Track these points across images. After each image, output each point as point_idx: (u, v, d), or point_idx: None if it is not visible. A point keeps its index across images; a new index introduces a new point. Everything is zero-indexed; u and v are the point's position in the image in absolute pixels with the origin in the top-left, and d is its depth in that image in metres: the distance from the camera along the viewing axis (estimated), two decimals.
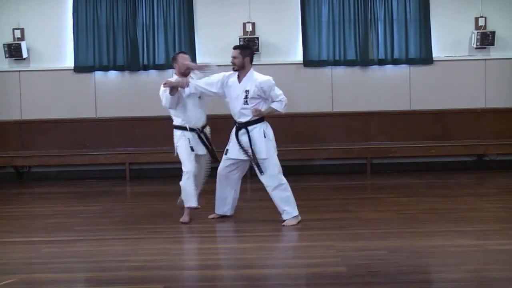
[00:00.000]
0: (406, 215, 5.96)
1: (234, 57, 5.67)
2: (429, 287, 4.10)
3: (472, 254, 4.61)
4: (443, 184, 7.83)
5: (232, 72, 5.74)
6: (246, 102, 5.62)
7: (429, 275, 4.29)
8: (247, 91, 5.60)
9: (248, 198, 7.55)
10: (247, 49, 5.79)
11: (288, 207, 5.67)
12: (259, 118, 5.66)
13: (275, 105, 5.67)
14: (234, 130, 5.76)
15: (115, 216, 6.31)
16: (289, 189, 5.68)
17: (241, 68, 5.67)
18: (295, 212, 5.68)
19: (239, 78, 5.68)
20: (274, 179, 5.66)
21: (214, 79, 5.76)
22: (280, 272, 4.34)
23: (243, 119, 5.65)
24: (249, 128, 5.63)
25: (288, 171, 7.98)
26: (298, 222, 5.65)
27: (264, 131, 5.65)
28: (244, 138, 5.65)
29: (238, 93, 5.64)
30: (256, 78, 5.63)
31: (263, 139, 5.63)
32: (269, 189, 5.71)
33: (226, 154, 5.80)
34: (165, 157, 8.67)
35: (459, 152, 8.89)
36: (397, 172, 8.83)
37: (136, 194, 7.97)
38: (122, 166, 8.92)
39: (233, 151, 5.73)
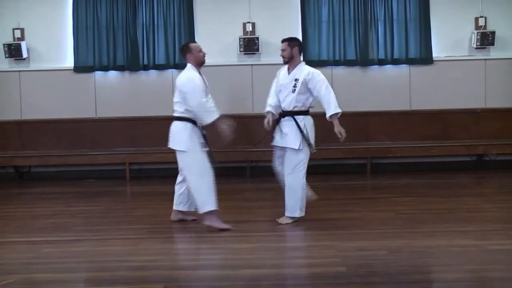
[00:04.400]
0: (406, 215, 5.96)
1: (282, 50, 5.80)
2: (429, 287, 4.10)
3: (472, 254, 4.61)
4: (443, 184, 7.83)
5: (282, 67, 5.89)
6: (293, 91, 5.70)
7: (429, 275, 4.29)
8: (296, 80, 5.70)
9: (248, 198, 7.56)
10: (295, 40, 5.87)
11: (290, 205, 5.72)
12: (305, 110, 5.75)
13: (329, 111, 5.71)
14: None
15: (115, 216, 6.31)
16: (300, 190, 5.66)
17: (290, 59, 5.78)
18: (296, 213, 5.70)
19: (289, 70, 5.80)
20: (289, 172, 5.71)
21: (273, 88, 5.97)
22: (280, 272, 4.34)
23: (290, 108, 5.72)
24: (295, 117, 5.70)
25: None
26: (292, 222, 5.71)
27: (305, 123, 5.71)
28: (287, 124, 5.71)
29: (287, 82, 5.76)
30: (305, 68, 5.73)
31: (299, 131, 5.68)
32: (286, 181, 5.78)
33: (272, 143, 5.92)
34: (165, 157, 8.67)
35: (459, 152, 8.89)
36: (397, 172, 8.83)
37: (136, 194, 7.97)
38: (122, 166, 8.92)
39: (276, 138, 5.84)
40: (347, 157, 8.87)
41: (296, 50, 5.77)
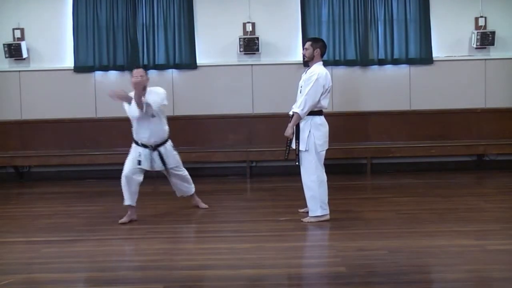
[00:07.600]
0: (406, 215, 5.97)
1: (305, 49, 5.81)
2: (429, 287, 4.10)
3: (472, 254, 4.61)
4: (443, 184, 7.83)
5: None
6: (300, 91, 5.73)
7: (429, 275, 4.29)
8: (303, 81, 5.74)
9: (248, 198, 7.57)
10: (319, 41, 5.85)
11: (310, 205, 5.74)
12: (315, 111, 5.68)
13: (294, 108, 5.69)
14: None
15: (115, 216, 6.29)
16: (316, 188, 5.67)
17: (310, 60, 5.79)
18: (317, 211, 5.72)
19: (306, 71, 5.81)
20: (305, 173, 5.72)
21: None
22: (280, 272, 4.34)
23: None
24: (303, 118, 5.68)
25: (289, 171, 8.00)
26: (320, 221, 5.71)
27: (310, 123, 5.67)
28: (296, 129, 5.72)
29: (300, 83, 5.78)
30: (313, 69, 5.71)
31: (307, 133, 5.65)
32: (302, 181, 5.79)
33: None
34: None
35: (459, 152, 8.89)
36: (397, 172, 8.83)
37: None
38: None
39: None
40: (347, 157, 8.87)
41: (318, 52, 5.75)
